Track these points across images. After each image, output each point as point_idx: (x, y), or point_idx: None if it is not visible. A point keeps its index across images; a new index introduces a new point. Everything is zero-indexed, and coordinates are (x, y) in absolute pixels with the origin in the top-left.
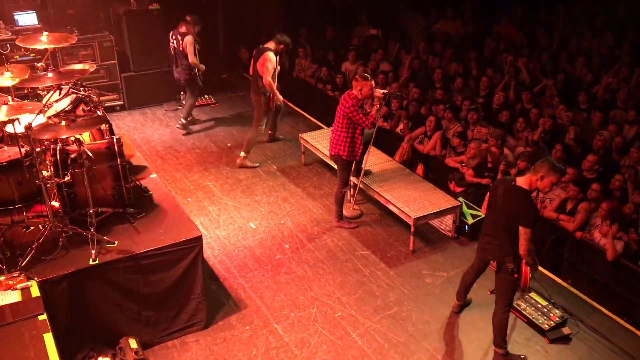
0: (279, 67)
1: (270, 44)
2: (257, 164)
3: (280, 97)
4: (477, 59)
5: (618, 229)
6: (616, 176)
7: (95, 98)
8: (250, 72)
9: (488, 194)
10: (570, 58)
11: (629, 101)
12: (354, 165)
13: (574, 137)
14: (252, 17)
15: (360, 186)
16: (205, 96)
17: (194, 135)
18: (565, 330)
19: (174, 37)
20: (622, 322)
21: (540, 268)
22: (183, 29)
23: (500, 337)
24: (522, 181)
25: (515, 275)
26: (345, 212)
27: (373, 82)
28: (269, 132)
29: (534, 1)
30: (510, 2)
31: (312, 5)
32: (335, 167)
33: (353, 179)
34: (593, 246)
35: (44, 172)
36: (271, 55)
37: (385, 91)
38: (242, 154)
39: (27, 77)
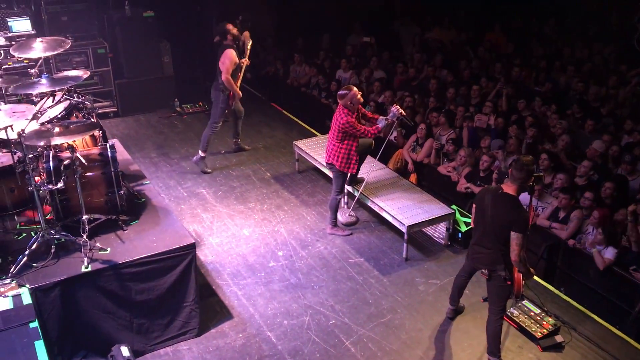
0: (248, 61)
1: (229, 41)
2: (210, 170)
3: (240, 94)
4: (470, 67)
5: (609, 237)
6: (606, 184)
7: (88, 104)
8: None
9: (474, 205)
10: (562, 68)
11: (623, 110)
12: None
13: (565, 146)
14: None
15: (358, 196)
16: (199, 103)
17: (187, 143)
18: (558, 338)
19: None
20: (614, 330)
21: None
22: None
23: (494, 345)
24: (508, 188)
25: (508, 283)
26: (340, 219)
27: (355, 89)
28: (233, 141)
29: (527, 12)
30: (504, 12)
31: (307, 13)
32: (330, 174)
33: (350, 188)
34: (586, 254)
35: (37, 179)
36: (231, 52)
37: (404, 113)
38: (200, 152)
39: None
